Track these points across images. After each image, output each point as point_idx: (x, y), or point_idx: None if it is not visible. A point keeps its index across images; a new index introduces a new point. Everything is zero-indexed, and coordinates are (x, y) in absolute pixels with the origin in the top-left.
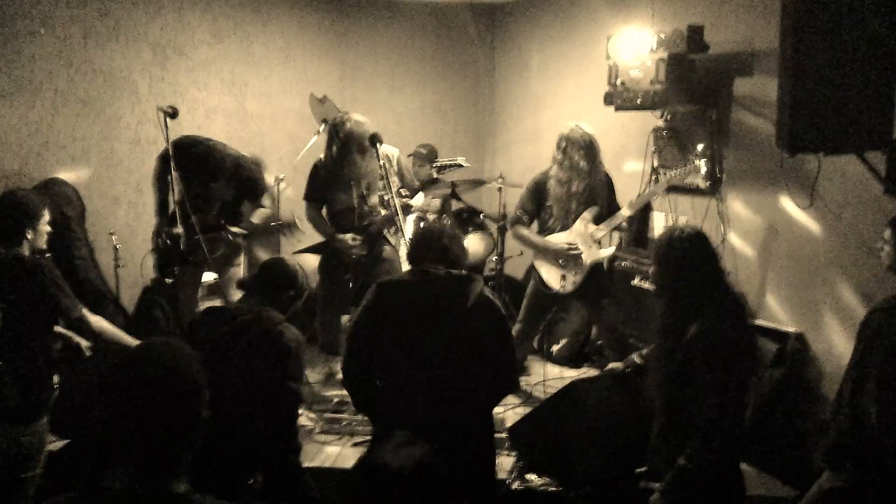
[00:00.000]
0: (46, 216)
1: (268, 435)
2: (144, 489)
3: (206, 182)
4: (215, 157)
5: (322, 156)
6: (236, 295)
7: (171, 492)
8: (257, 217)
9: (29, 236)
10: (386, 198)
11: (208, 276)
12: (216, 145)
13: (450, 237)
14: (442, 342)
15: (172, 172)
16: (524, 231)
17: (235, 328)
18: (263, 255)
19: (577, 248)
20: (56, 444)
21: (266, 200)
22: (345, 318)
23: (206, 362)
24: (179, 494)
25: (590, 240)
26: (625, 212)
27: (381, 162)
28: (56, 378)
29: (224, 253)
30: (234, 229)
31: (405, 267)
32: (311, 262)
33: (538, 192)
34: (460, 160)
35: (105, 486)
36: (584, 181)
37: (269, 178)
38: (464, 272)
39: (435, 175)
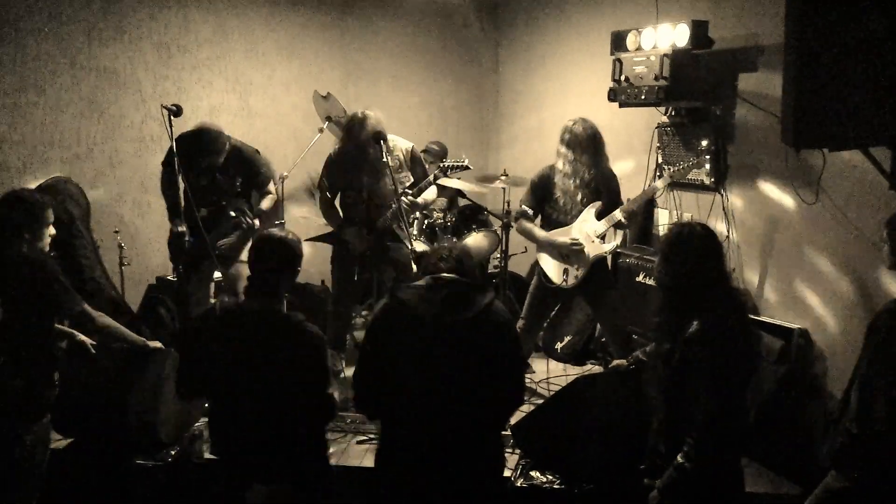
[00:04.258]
0: (50, 217)
1: (295, 439)
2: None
3: (212, 172)
4: (213, 139)
5: (336, 148)
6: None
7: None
8: (266, 202)
9: (27, 236)
10: (395, 192)
11: (219, 274)
12: (212, 131)
13: (461, 252)
14: (450, 354)
15: (177, 171)
16: (528, 225)
17: (249, 330)
18: None
19: (579, 244)
20: (60, 443)
21: (271, 186)
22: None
23: (230, 367)
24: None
25: (592, 234)
26: (626, 207)
27: (385, 159)
28: (56, 375)
29: (234, 245)
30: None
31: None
32: (321, 254)
33: (543, 186)
34: (465, 161)
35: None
36: (589, 174)
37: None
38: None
39: (441, 177)
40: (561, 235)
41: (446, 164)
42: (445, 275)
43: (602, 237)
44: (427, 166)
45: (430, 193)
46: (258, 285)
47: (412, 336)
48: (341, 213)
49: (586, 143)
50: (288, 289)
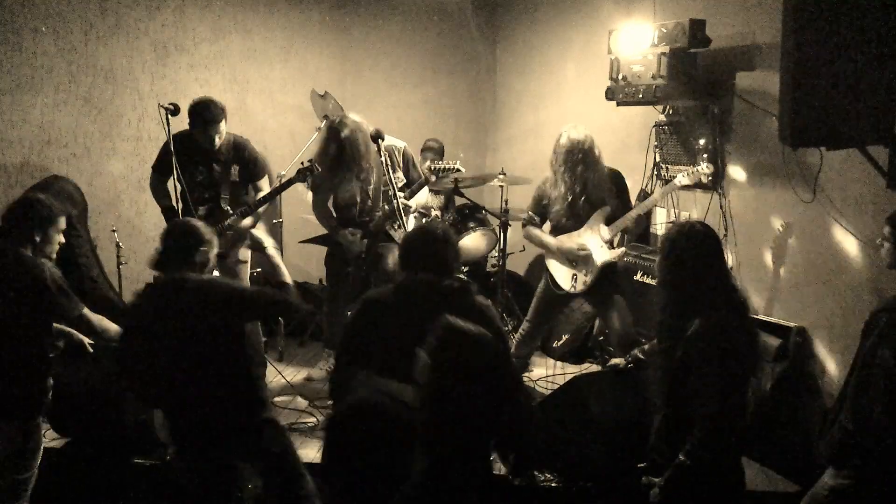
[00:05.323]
0: (62, 226)
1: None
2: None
3: (209, 165)
4: (213, 103)
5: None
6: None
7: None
8: (262, 194)
9: (37, 240)
10: (389, 193)
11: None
12: (208, 98)
13: (444, 241)
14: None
15: (174, 170)
16: (535, 231)
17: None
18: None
19: (587, 248)
20: (58, 443)
21: (266, 180)
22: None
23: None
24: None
25: (601, 240)
26: (634, 213)
27: (382, 158)
28: (50, 381)
29: (231, 240)
30: (246, 220)
31: None
32: (318, 253)
33: (544, 194)
34: (458, 164)
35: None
36: (582, 186)
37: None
38: (455, 282)
39: (434, 180)
40: (569, 241)
41: (438, 168)
42: (423, 278)
43: (610, 242)
44: (427, 163)
45: (422, 196)
46: (172, 257)
47: (392, 341)
48: (334, 214)
49: (572, 155)
50: (200, 265)
